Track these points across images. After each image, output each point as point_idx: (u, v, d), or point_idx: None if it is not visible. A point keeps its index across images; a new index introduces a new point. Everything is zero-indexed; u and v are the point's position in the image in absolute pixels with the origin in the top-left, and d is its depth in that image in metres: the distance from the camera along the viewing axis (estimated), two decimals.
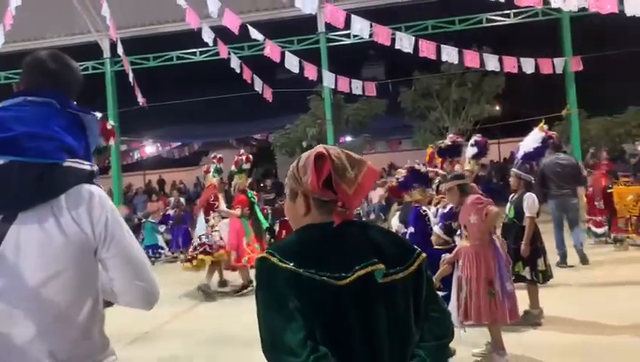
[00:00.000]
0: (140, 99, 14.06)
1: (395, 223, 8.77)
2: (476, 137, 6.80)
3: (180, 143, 26.02)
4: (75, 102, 1.69)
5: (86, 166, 1.53)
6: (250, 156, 8.47)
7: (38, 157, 1.42)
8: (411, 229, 5.08)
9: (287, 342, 1.34)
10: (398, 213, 8.22)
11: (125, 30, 14.71)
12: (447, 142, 7.02)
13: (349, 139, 19.68)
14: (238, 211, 7.83)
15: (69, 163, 1.48)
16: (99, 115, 1.73)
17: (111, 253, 1.51)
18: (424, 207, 5.30)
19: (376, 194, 18.08)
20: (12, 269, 1.42)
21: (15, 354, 1.42)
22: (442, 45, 11.80)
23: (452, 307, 4.32)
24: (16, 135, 1.44)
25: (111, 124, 6.53)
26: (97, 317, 1.54)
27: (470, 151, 6.71)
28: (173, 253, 12.57)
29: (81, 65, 15.72)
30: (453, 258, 4.50)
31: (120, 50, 12.81)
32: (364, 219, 9.89)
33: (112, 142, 6.10)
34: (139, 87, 14.09)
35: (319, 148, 1.55)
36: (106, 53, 15.80)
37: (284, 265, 1.40)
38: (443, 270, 4.59)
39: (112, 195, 16.67)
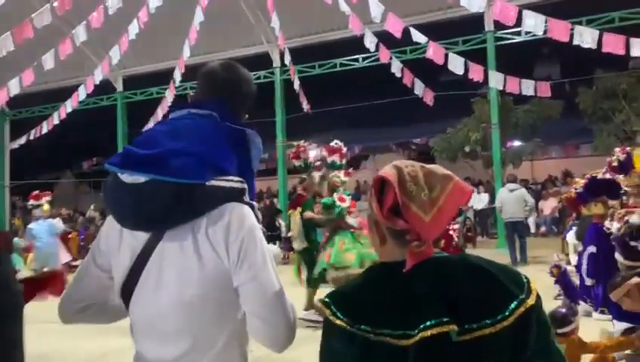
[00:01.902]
0: (305, 106, 14.64)
1: (571, 239, 7.91)
2: None
3: None
4: (246, 116, 1.64)
5: (235, 184, 1.44)
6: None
7: (178, 176, 1.36)
8: (592, 249, 4.44)
9: None
10: (574, 229, 7.39)
11: (293, 40, 15.45)
12: None
13: (517, 143, 18.37)
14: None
15: (215, 182, 1.40)
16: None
17: (242, 278, 1.38)
18: (607, 223, 4.59)
19: (548, 206, 16.63)
20: (154, 290, 1.39)
21: None
22: (632, 38, 10.35)
23: None
24: (161, 152, 1.39)
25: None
26: (237, 354, 1.44)
27: None
28: None
29: (254, 75, 16.85)
30: None
31: (287, 59, 13.43)
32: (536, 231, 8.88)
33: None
34: (305, 94, 14.67)
35: (386, 169, 1.27)
36: (276, 63, 16.70)
37: (337, 322, 1.19)
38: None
39: (278, 196, 17.61)
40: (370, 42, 11.56)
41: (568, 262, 8.46)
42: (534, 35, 11.59)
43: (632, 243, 4.09)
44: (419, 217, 1.20)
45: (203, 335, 1.38)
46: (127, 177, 1.38)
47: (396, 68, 12.24)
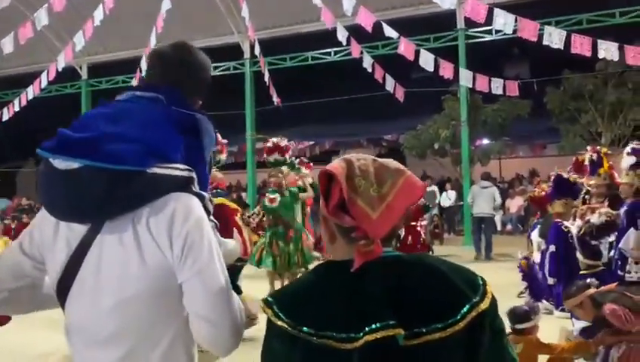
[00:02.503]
0: (275, 99, 14.46)
1: (535, 238, 7.98)
2: (634, 144, 5.88)
3: (312, 142, 26.55)
4: (200, 102, 1.51)
5: (182, 172, 1.31)
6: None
7: (112, 162, 1.22)
8: (552, 248, 4.45)
9: None
10: (538, 227, 7.45)
11: (263, 31, 15.23)
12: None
13: (486, 142, 18.55)
14: None
15: (158, 169, 1.27)
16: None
17: (185, 274, 1.26)
18: (567, 223, 4.60)
19: (515, 204, 16.85)
20: (92, 288, 1.26)
21: None
22: (599, 40, 10.50)
23: None
24: (96, 136, 1.26)
25: (222, 141, 6.68)
26: (183, 354, 1.32)
27: (627, 160, 5.81)
28: None
29: (223, 66, 16.63)
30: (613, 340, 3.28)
31: (257, 50, 13.23)
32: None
33: (224, 156, 6.28)
34: (275, 86, 14.49)
35: (335, 162, 1.20)
36: (246, 54, 16.46)
37: (279, 323, 1.11)
38: (604, 339, 3.34)
39: (247, 190, 17.41)
40: (341, 36, 11.46)
41: (533, 261, 8.54)
42: (504, 35, 11.67)
43: (593, 243, 4.10)
44: (366, 213, 1.12)
45: (145, 336, 1.26)
46: (59, 163, 1.25)
47: (367, 63, 12.18)
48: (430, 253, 11.60)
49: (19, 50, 11.27)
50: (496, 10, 9.77)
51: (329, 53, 15.61)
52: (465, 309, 1.10)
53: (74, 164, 1.23)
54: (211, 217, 1.40)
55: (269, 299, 1.17)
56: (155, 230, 1.25)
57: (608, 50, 10.52)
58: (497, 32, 12.69)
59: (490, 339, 1.13)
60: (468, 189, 14.33)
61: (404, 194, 1.17)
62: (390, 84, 12.65)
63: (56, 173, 1.25)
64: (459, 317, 1.09)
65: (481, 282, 1.18)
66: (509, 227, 16.68)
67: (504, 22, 9.89)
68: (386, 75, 12.51)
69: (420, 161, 19.02)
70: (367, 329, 1.05)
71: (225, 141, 6.79)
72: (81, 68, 18.27)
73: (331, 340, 1.07)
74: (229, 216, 5.75)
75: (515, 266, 6.67)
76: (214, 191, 5.96)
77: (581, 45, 10.37)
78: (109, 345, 1.26)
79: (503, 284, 4.83)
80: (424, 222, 12.35)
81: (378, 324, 1.04)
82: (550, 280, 5.35)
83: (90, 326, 1.27)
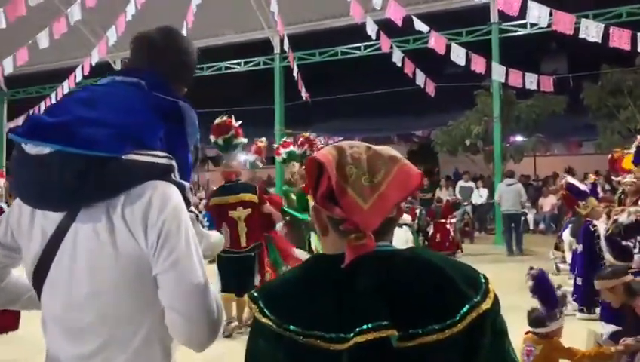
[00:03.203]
0: (304, 94, 14.43)
1: (566, 237, 7.75)
2: None
3: (341, 138, 26.51)
4: (185, 89, 1.47)
5: (161, 160, 1.26)
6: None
7: (86, 147, 1.17)
8: (579, 248, 4.29)
9: None
10: (570, 226, 7.24)
11: (294, 26, 15.19)
12: None
13: (519, 138, 18.12)
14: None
15: (135, 156, 1.22)
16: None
17: (160, 266, 1.20)
18: (596, 222, 4.42)
19: (548, 202, 16.40)
20: (67, 278, 1.23)
21: None
22: (639, 34, 10.10)
23: None
24: (68, 120, 1.21)
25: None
26: (159, 349, 1.27)
27: None
28: None
29: (253, 61, 16.68)
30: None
31: (286, 45, 13.21)
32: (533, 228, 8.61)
33: (240, 139, 6.16)
34: (305, 81, 14.45)
35: (325, 150, 1.13)
36: (276, 49, 16.46)
37: (264, 320, 1.05)
38: (629, 346, 3.32)
39: (275, 185, 17.44)
40: (371, 30, 11.36)
41: (563, 260, 8.30)
42: (539, 28, 11.35)
43: (624, 243, 3.92)
44: (356, 204, 1.05)
45: (120, 330, 1.22)
46: (31, 148, 1.21)
47: (397, 57, 12.04)
48: (460, 251, 11.42)
49: (54, 45, 11.50)
50: (530, 3, 9.53)
51: (358, 48, 15.45)
52: (464, 309, 1.02)
53: (45, 149, 1.19)
54: (192, 208, 1.34)
55: (255, 293, 1.11)
56: (129, 219, 1.21)
57: None
58: (532, 25, 12.36)
59: (491, 341, 1.05)
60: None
61: (398, 184, 1.09)
62: (421, 78, 12.49)
63: (27, 159, 1.22)
64: (458, 318, 1.01)
65: (483, 280, 1.09)
66: (541, 226, 16.25)
67: (538, 15, 9.64)
68: (417, 69, 12.34)
69: (451, 157, 18.71)
70: (357, 329, 0.97)
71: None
72: (115, 63, 18.59)
73: (319, 340, 1.00)
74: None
75: (545, 265, 6.49)
76: (228, 182, 5.80)
77: (619, 39, 10.00)
78: (85, 335, 1.22)
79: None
80: (454, 220, 12.15)
81: (370, 325, 0.97)
82: (579, 280, 5.20)
83: (66, 316, 1.24)
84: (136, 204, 1.21)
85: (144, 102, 1.30)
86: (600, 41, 9.91)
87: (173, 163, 1.29)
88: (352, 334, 0.98)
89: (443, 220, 11.61)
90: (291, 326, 1.03)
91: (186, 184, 1.33)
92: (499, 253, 11.44)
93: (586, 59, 16.05)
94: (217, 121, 5.94)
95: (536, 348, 3.17)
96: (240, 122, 6.00)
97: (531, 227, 15.90)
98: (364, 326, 0.97)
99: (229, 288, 5.64)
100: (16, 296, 1.42)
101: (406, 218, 8.93)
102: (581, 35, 9.93)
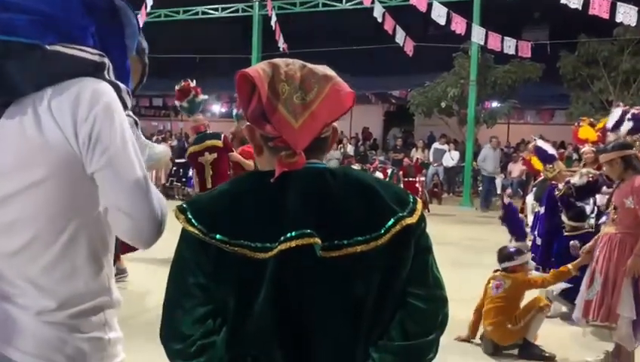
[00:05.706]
0: (281, 45, 14.14)
1: (529, 201, 7.92)
2: (634, 110, 5.71)
3: None
4: None
5: (92, 56, 1.18)
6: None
7: (2, 32, 1.10)
8: (542, 210, 4.43)
9: (175, 323, 1.07)
10: (534, 190, 7.39)
11: None
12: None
13: (494, 104, 18.22)
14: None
15: (61, 48, 1.14)
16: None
17: (95, 164, 1.15)
18: (560, 185, 4.54)
19: (517, 168, 16.67)
20: None
21: None
22: (619, 2, 10.12)
23: (578, 301, 3.74)
24: None
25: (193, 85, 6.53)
26: (84, 251, 1.22)
27: (626, 126, 5.66)
28: None
29: (232, 7, 16.21)
30: (594, 245, 3.77)
31: None
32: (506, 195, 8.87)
33: (200, 97, 6.43)
34: (282, 32, 14.14)
35: (258, 65, 1.12)
36: None
37: (190, 229, 1.06)
38: (582, 259, 3.90)
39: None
40: None
41: (526, 224, 8.52)
42: None
43: (579, 204, 4.09)
44: (287, 122, 1.06)
45: (47, 226, 1.17)
46: None
47: (378, 12, 11.86)
48: (427, 210, 11.62)
49: None
50: None
51: (340, 1, 15.14)
52: (390, 223, 1.06)
53: None
54: (129, 112, 1.28)
55: (184, 205, 1.12)
56: (57, 113, 1.13)
57: (627, 14, 10.16)
58: None
59: (414, 258, 1.10)
60: (471, 150, 14.20)
61: (330, 103, 1.10)
62: (400, 36, 12.34)
63: None
64: (382, 231, 1.06)
65: (411, 199, 1.13)
66: (509, 191, 16.59)
67: None
68: (397, 26, 12.19)
69: (426, 119, 18.74)
70: (282, 238, 1.01)
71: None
72: None
73: (245, 249, 1.03)
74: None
75: None
76: (199, 133, 6.25)
77: (599, 7, 10.02)
78: (11, 232, 1.18)
79: (500, 242, 5.15)
80: (422, 178, 12.30)
81: (293, 233, 1.01)
82: (538, 240, 5.36)
83: None
84: (64, 96, 1.13)
85: None
86: (580, 8, 9.91)
87: (106, 60, 1.21)
88: (276, 244, 1.01)
89: (412, 179, 11.74)
90: (217, 236, 1.04)
91: (122, 85, 1.25)
92: (465, 213, 11.71)
93: (567, 31, 16.06)
94: (177, 87, 6.40)
95: (506, 281, 3.67)
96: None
97: (499, 191, 16.22)
98: (288, 235, 1.01)
99: None
100: None
101: (378, 176, 9.01)
102: (562, 1, 9.91)
